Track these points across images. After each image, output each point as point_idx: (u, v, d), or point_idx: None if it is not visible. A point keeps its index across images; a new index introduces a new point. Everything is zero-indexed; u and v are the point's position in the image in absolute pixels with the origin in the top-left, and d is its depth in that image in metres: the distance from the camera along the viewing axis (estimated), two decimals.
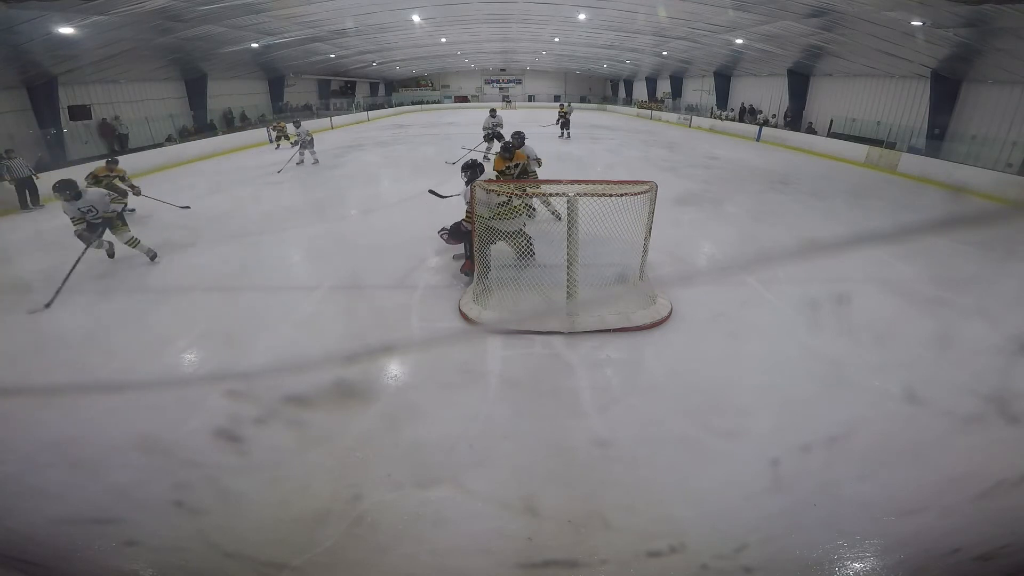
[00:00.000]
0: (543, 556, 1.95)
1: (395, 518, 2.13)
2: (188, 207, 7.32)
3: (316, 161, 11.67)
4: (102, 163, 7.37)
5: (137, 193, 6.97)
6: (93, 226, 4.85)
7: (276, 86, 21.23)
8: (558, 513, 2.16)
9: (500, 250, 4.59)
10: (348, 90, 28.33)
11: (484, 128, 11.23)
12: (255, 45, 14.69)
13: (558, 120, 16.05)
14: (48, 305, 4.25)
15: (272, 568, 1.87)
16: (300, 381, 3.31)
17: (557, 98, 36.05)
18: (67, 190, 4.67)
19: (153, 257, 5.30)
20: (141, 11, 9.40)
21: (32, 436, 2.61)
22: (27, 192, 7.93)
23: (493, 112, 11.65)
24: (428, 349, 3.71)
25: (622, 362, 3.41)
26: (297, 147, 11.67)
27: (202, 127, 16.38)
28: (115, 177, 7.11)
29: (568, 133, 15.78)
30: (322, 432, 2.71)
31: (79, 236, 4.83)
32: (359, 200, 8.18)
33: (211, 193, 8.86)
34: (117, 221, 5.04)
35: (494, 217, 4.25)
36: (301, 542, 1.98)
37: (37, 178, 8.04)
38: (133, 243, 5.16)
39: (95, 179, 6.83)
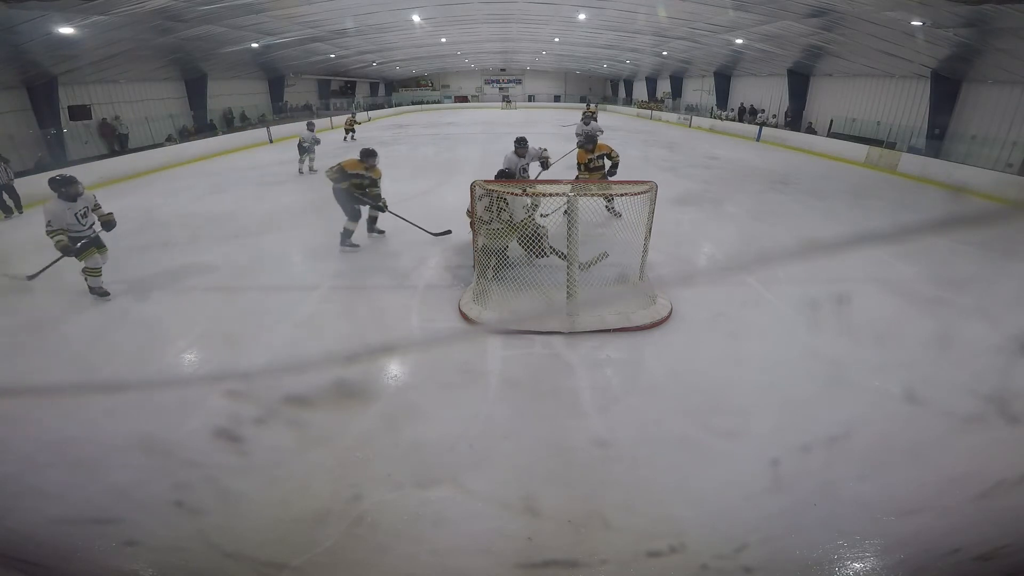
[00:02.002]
0: (543, 556, 1.95)
1: (395, 518, 2.13)
2: (449, 232, 5.86)
3: (313, 169, 10.55)
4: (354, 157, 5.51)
5: (383, 208, 5.68)
6: None
7: (276, 86, 21.25)
8: (558, 513, 2.15)
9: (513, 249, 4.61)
10: (348, 90, 28.35)
11: (577, 135, 10.32)
12: (255, 45, 14.70)
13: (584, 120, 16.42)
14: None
15: (272, 568, 1.87)
16: (300, 381, 3.31)
17: (557, 98, 36.12)
18: None
19: None
20: (141, 11, 9.40)
21: (32, 436, 2.61)
22: (4, 197, 7.53)
23: (587, 119, 10.67)
24: (428, 349, 3.71)
25: (622, 362, 3.41)
26: (307, 155, 10.46)
27: (202, 127, 16.39)
28: (367, 180, 5.45)
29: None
30: (322, 432, 2.71)
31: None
32: None
33: (211, 193, 8.86)
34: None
35: (485, 230, 4.26)
36: (301, 542, 1.98)
37: (11, 180, 7.63)
38: None
39: (340, 172, 5.30)
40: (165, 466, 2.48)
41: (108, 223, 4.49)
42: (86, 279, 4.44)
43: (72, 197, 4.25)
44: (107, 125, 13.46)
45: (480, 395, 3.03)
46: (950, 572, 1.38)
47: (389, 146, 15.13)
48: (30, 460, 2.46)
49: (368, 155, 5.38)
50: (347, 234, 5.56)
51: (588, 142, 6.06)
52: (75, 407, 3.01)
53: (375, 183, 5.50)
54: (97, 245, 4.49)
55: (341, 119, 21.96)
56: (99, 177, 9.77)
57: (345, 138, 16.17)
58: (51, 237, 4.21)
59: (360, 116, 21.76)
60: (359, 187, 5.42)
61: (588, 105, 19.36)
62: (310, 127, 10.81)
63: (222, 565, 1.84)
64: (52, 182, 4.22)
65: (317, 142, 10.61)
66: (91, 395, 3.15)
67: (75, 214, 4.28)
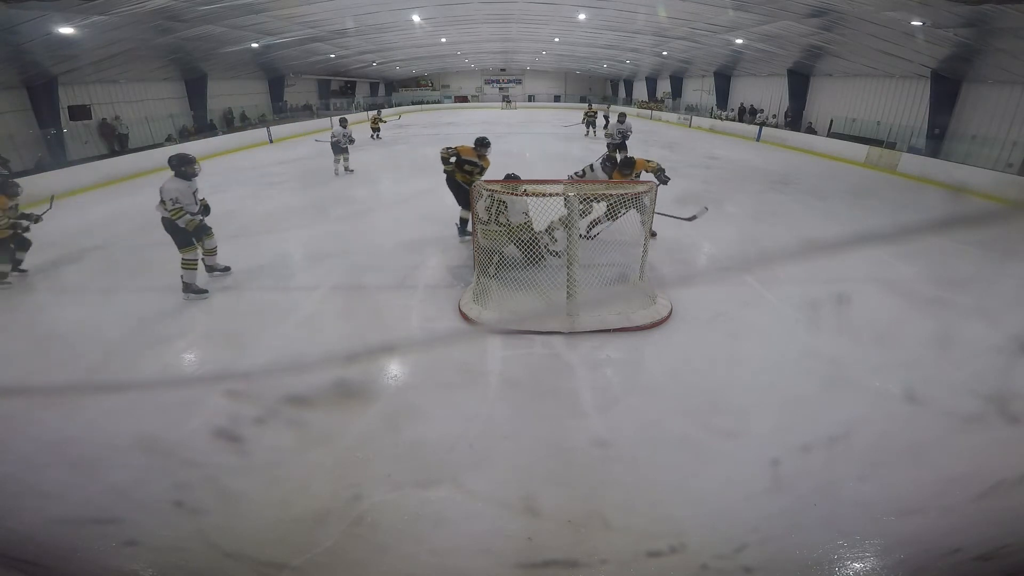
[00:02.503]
0: (543, 556, 1.95)
1: (395, 518, 2.13)
2: (694, 217, 5.10)
3: (349, 170, 10.14)
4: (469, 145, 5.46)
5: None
6: None
7: (276, 86, 21.25)
8: (558, 513, 2.16)
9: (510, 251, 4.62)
10: (348, 90, 28.35)
11: (607, 135, 9.84)
12: (255, 45, 14.70)
13: (584, 120, 17.00)
14: None
15: (272, 568, 1.87)
16: (300, 381, 3.31)
17: (557, 98, 36.14)
18: None
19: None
20: (141, 11, 9.40)
21: (32, 436, 2.61)
22: None
23: (622, 117, 10.12)
24: (428, 349, 3.71)
25: (622, 362, 3.41)
26: (343, 155, 9.88)
27: (202, 127, 16.39)
28: (478, 169, 5.39)
29: (594, 132, 16.55)
30: (322, 432, 2.71)
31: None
32: (359, 200, 8.18)
33: (211, 193, 8.74)
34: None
35: (482, 230, 4.28)
36: (301, 542, 1.98)
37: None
38: None
39: (456, 155, 5.39)
40: (165, 466, 2.48)
41: (206, 207, 4.46)
42: (183, 275, 4.35)
43: (190, 176, 4.20)
44: (107, 125, 13.46)
45: (480, 395, 3.03)
46: (950, 572, 1.38)
47: (389, 146, 15.13)
48: (30, 460, 2.46)
49: (482, 144, 5.44)
50: (464, 224, 5.57)
51: (626, 167, 5.28)
52: (75, 407, 3.01)
53: (483, 172, 5.49)
54: (208, 228, 4.48)
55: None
56: (99, 177, 9.78)
57: (372, 136, 15.99)
58: (174, 216, 4.10)
59: (387, 113, 20.18)
60: (469, 174, 5.43)
61: (589, 105, 19.36)
62: (343, 123, 10.07)
63: (222, 565, 1.84)
64: (173, 160, 4.17)
65: (352, 140, 10.01)
66: (91, 395, 3.14)
67: (192, 193, 4.22)
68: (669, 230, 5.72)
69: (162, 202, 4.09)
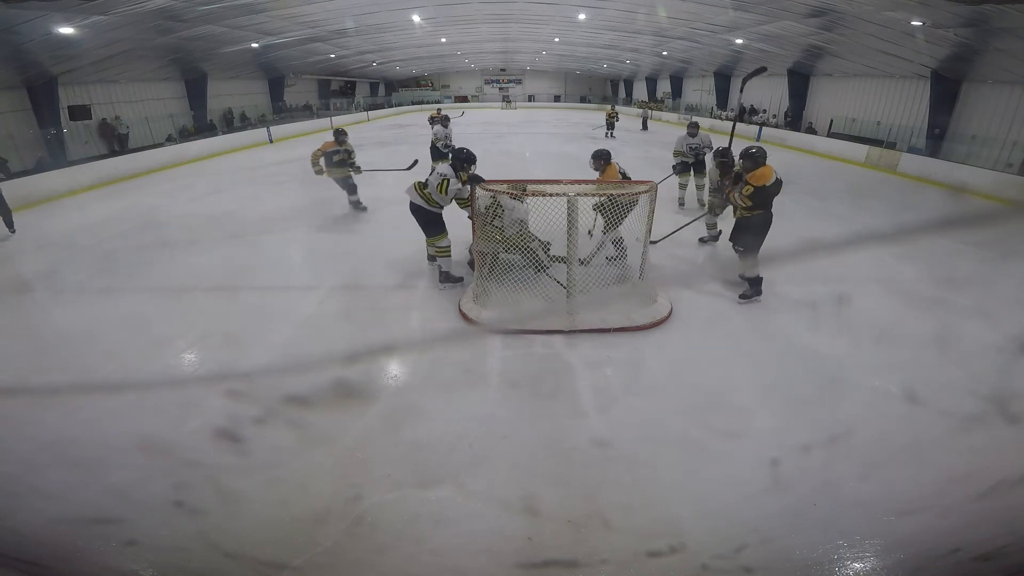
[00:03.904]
0: (543, 556, 1.95)
1: (395, 518, 2.13)
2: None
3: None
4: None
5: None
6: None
7: (276, 86, 21.26)
8: (558, 513, 2.16)
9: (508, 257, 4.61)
10: (348, 90, 28.35)
11: (676, 152, 7.14)
12: (255, 45, 14.70)
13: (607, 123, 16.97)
14: None
15: (272, 568, 1.87)
16: (300, 381, 3.31)
17: (557, 98, 36.17)
18: None
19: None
20: (141, 11, 9.41)
21: (32, 436, 2.61)
22: None
23: (693, 128, 7.06)
24: (428, 349, 3.71)
25: (622, 362, 3.41)
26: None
27: (202, 127, 16.39)
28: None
29: (612, 133, 16.60)
30: (322, 432, 2.71)
31: None
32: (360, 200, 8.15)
33: (211, 193, 8.85)
34: None
35: (483, 232, 4.27)
36: (301, 542, 1.98)
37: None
38: None
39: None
40: (165, 466, 2.48)
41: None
42: (440, 263, 4.56)
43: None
44: (107, 125, 13.46)
45: (480, 395, 3.03)
46: (950, 572, 1.38)
47: (389, 146, 15.12)
48: (30, 460, 2.46)
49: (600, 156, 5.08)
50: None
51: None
52: (75, 407, 3.01)
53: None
54: None
55: (341, 120, 21.91)
56: (99, 177, 9.78)
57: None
58: (461, 205, 4.44)
59: (453, 112, 17.12)
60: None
61: (612, 107, 19.17)
62: (445, 122, 8.18)
63: (222, 565, 1.84)
64: (456, 156, 4.35)
65: (447, 147, 8.00)
66: (91, 395, 3.14)
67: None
68: (669, 230, 5.71)
69: (419, 184, 4.34)
